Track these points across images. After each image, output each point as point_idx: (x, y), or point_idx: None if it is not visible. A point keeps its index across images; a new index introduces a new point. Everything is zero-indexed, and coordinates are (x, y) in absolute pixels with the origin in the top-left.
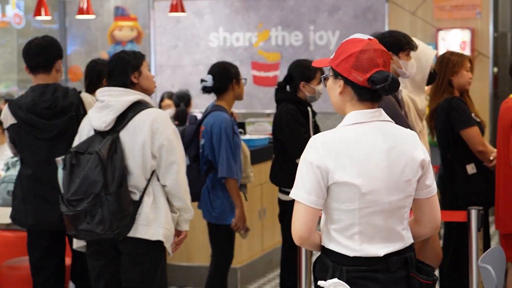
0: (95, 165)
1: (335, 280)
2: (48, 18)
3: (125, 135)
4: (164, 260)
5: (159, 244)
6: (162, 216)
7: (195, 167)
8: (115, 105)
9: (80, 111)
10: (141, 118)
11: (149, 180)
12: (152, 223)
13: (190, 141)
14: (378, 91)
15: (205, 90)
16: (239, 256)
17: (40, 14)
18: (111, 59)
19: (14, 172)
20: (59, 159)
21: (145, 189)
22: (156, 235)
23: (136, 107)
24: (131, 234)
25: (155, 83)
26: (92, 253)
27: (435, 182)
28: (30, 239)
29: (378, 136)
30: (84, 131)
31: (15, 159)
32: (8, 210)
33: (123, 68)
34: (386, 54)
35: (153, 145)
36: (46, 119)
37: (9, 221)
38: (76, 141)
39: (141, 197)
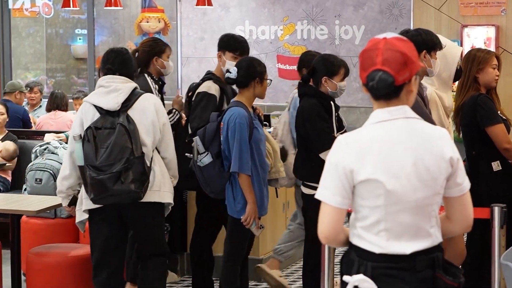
0: (122, 134)
1: (361, 276)
2: (76, 8)
3: (134, 114)
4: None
5: (162, 206)
6: (167, 182)
7: (218, 163)
8: (123, 89)
9: None
10: (145, 100)
11: (152, 152)
12: (162, 188)
13: (212, 138)
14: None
15: (228, 81)
16: (263, 248)
17: (68, 5)
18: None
19: (41, 160)
20: (76, 136)
21: (151, 158)
22: (166, 198)
23: (135, 92)
24: (147, 199)
25: None
26: (100, 220)
27: (467, 180)
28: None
29: (403, 133)
30: (89, 114)
31: (44, 147)
32: (37, 197)
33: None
34: (391, 52)
35: (159, 123)
36: None
37: (37, 208)
38: (78, 123)
39: (150, 165)
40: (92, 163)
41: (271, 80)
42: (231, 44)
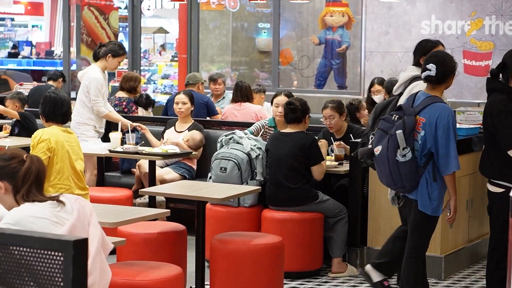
0: None
1: None
2: (263, 2)
3: None
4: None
5: None
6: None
7: (415, 159)
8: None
9: None
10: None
11: None
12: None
13: (410, 133)
14: None
15: (427, 79)
16: (444, 245)
17: None
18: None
19: (226, 149)
20: None
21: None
22: None
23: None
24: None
25: None
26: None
27: None
28: None
29: None
30: None
31: (229, 137)
32: (222, 185)
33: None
34: None
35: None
36: None
37: (222, 196)
38: None
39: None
40: None
41: (458, 73)
42: None
